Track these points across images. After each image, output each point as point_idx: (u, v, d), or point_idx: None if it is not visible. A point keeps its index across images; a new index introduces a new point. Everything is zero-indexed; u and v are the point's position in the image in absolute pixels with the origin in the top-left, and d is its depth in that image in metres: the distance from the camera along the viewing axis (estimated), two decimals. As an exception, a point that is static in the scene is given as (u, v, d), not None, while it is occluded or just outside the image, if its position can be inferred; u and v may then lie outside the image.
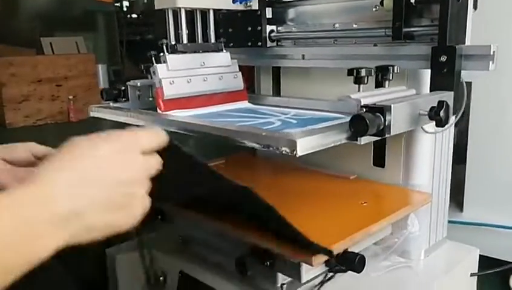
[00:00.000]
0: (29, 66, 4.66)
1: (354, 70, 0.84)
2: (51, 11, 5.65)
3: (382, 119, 0.75)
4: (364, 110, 0.76)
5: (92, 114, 1.17)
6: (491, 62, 0.89)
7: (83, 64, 5.07)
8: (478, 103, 1.50)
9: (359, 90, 0.85)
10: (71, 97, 4.81)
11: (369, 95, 0.81)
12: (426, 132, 1.07)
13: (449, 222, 1.26)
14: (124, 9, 7.59)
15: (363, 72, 0.83)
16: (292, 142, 0.72)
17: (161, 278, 1.17)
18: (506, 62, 1.22)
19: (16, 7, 5.50)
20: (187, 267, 1.12)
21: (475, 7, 1.01)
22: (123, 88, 1.25)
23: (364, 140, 0.78)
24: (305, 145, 0.73)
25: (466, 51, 0.91)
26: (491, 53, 0.88)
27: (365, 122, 0.71)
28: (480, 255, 1.21)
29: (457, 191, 1.57)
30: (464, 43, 0.95)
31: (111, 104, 1.19)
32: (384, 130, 0.76)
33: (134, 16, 7.77)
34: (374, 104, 0.76)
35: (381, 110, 0.75)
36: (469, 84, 1.43)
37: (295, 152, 0.72)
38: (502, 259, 1.41)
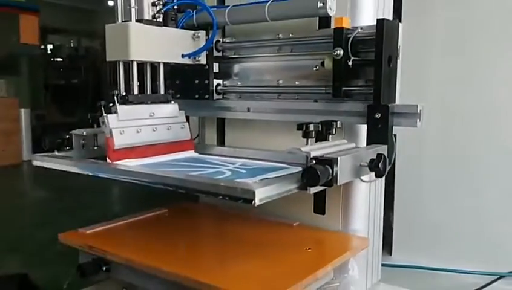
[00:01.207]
0: None
1: (304, 126, 0.91)
2: (-29, 53, 5.37)
3: (331, 170, 0.82)
4: (314, 161, 0.82)
5: (35, 163, 1.13)
6: (418, 120, 1.01)
7: (5, 108, 4.84)
8: (402, 152, 1.65)
9: (307, 143, 0.92)
10: (-11, 142, 4.55)
11: (317, 148, 0.88)
12: (363, 181, 1.16)
13: (382, 265, 1.35)
14: (49, 52, 7.40)
15: (311, 127, 0.91)
16: (250, 192, 0.76)
17: (103, 333, 1.13)
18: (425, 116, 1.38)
19: None
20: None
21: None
22: (66, 137, 1.24)
23: (314, 190, 0.84)
24: (262, 195, 0.77)
25: (397, 109, 1.03)
26: (418, 111, 1.00)
27: (317, 174, 0.78)
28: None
29: (386, 236, 1.68)
30: (394, 102, 1.07)
31: (56, 152, 1.16)
32: (332, 180, 0.83)
33: (59, 59, 7.59)
34: (323, 156, 0.84)
35: (330, 162, 0.82)
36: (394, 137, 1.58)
37: (253, 202, 0.76)
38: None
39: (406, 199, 1.69)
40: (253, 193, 0.76)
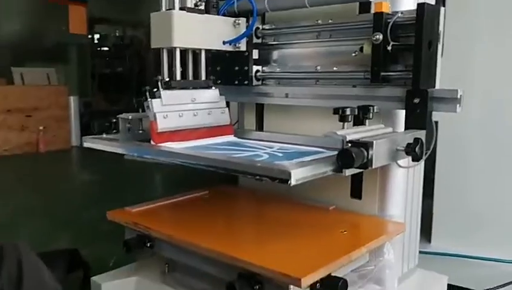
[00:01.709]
0: (-1, 96, 4.61)
1: (340, 110, 0.93)
2: (23, 42, 5.64)
3: (366, 153, 0.83)
4: (350, 145, 0.84)
5: (86, 144, 1.21)
6: (458, 105, 1.00)
7: (55, 95, 5.07)
8: (444, 139, 1.63)
9: (343, 128, 0.94)
10: (41, 128, 4.78)
11: (353, 132, 0.90)
12: (400, 166, 1.16)
13: (419, 252, 1.35)
14: (96, 41, 7.65)
15: (348, 111, 0.92)
16: (287, 172, 0.79)
17: (146, 306, 1.19)
18: (468, 103, 1.36)
19: (-13, 36, 5.47)
20: (173, 295, 1.15)
21: (441, 54, 1.14)
22: (113, 120, 1.30)
23: (349, 172, 0.86)
24: (298, 176, 0.80)
25: (437, 94, 1.02)
26: (458, 96, 0.99)
27: (351, 156, 0.80)
28: (447, 284, 1.30)
29: (426, 224, 1.67)
30: (434, 86, 1.07)
31: (104, 135, 1.23)
32: (367, 163, 0.84)
33: (105, 48, 7.83)
34: (359, 140, 0.85)
35: (365, 145, 0.84)
36: (436, 124, 1.56)
37: (289, 182, 0.79)
38: (468, 288, 1.50)
39: (447, 186, 1.67)
40: (289, 173, 0.79)
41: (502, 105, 1.58)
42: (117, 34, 7.99)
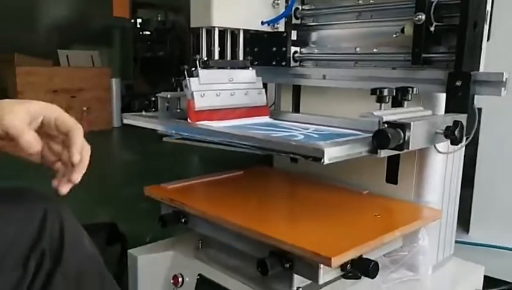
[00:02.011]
0: (46, 77, 4.81)
1: (377, 90, 0.91)
2: (68, 25, 5.82)
3: (402, 134, 0.82)
4: (386, 126, 0.83)
5: (125, 121, 1.24)
6: (503, 88, 0.96)
7: (98, 77, 5.23)
8: (487, 128, 1.57)
9: (380, 108, 0.92)
10: (85, 108, 4.95)
11: (390, 113, 0.88)
12: (439, 152, 1.13)
13: (456, 242, 1.32)
14: (138, 26, 7.80)
15: (386, 92, 0.91)
16: (320, 150, 0.79)
17: (180, 280, 1.22)
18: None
19: (36, 19, 5.67)
20: (205, 270, 1.18)
21: (488, 38, 1.10)
22: (153, 99, 1.33)
23: (384, 153, 0.85)
24: (331, 154, 0.80)
25: (480, 77, 0.99)
26: (504, 80, 0.95)
27: (387, 136, 0.79)
28: (484, 276, 1.26)
29: (464, 214, 1.63)
30: (478, 69, 1.03)
31: (143, 113, 1.26)
32: (403, 145, 0.83)
33: (147, 32, 7.97)
34: (395, 120, 0.84)
35: (402, 126, 0.82)
36: (479, 110, 1.51)
37: (322, 160, 0.78)
38: (506, 280, 1.46)
39: (488, 176, 1.61)
40: (323, 151, 0.78)
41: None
42: (159, 19, 8.12)
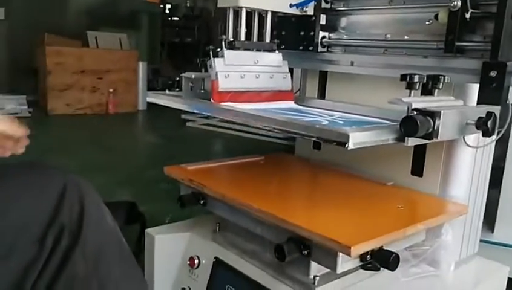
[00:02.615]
0: (75, 57, 4.87)
1: (408, 76, 0.88)
2: (98, 7, 5.88)
3: (432, 123, 0.79)
4: (415, 113, 0.80)
5: (149, 99, 1.24)
6: (540, 81, 0.92)
7: (126, 60, 5.26)
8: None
9: (409, 95, 0.89)
10: (111, 90, 5.00)
11: (420, 100, 0.85)
12: (468, 145, 1.09)
13: (480, 241, 1.27)
14: (167, 11, 7.83)
15: (416, 78, 0.87)
16: (345, 135, 0.76)
17: (196, 261, 1.22)
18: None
19: (66, 1, 5.75)
20: (222, 253, 1.17)
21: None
22: (177, 79, 1.32)
23: (411, 141, 0.81)
24: (356, 139, 0.77)
25: (517, 68, 0.94)
26: (542, 72, 0.91)
27: (416, 123, 0.76)
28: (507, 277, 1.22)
29: (490, 213, 1.57)
30: (514, 60, 0.98)
31: (167, 92, 1.26)
32: (432, 133, 0.80)
33: (175, 18, 8.00)
34: (425, 108, 0.80)
35: (431, 114, 0.79)
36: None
37: (346, 145, 0.76)
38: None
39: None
40: (348, 136, 0.76)
41: None
42: (188, 5, 8.14)
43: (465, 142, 1.09)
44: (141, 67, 5.38)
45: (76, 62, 4.86)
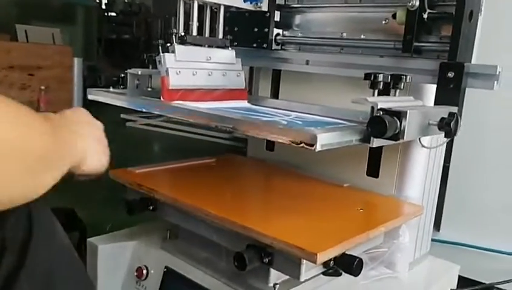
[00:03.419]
0: (2, 51, 4.50)
1: (372, 75, 0.85)
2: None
3: (399, 123, 0.76)
4: (381, 113, 0.77)
5: (90, 97, 1.13)
6: (495, 82, 0.92)
7: (59, 55, 4.95)
8: (462, 126, 1.55)
9: (373, 95, 0.87)
10: (43, 87, 4.68)
11: (384, 100, 0.82)
12: (423, 146, 1.09)
13: (429, 239, 1.29)
14: (104, 6, 7.52)
15: (380, 77, 0.85)
16: (313, 136, 0.72)
17: (144, 272, 1.13)
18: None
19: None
20: (173, 262, 1.10)
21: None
22: (122, 76, 1.23)
23: (377, 143, 0.79)
24: (324, 141, 0.73)
25: (473, 69, 0.95)
26: (497, 73, 0.92)
27: (385, 123, 0.73)
28: (457, 275, 1.24)
29: (436, 211, 1.61)
30: (470, 61, 0.99)
31: (111, 89, 1.16)
32: (398, 134, 0.77)
33: (113, 14, 7.70)
34: (391, 108, 0.78)
35: (398, 114, 0.76)
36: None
37: (314, 147, 0.72)
38: (477, 280, 1.45)
39: (462, 175, 1.60)
40: (316, 137, 0.72)
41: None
42: (125, 1, 7.86)
43: (421, 143, 1.09)
44: (76, 64, 5.09)
45: (4, 57, 4.51)
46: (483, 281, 1.45)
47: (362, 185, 1.19)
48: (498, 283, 1.44)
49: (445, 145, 1.20)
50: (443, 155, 1.23)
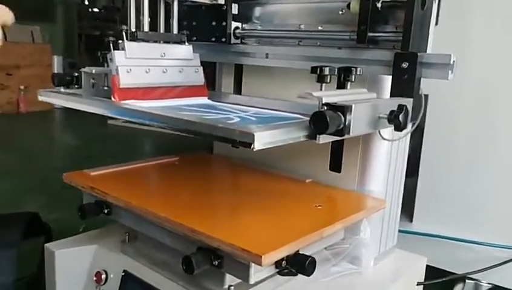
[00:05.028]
0: (-22, 51, 4.43)
1: (318, 68, 0.82)
2: (6, -4, 5.40)
3: (343, 118, 0.74)
4: (326, 108, 0.74)
5: (40, 98, 1.09)
6: (450, 71, 0.90)
7: (38, 54, 4.89)
8: (433, 117, 1.53)
9: (321, 89, 0.84)
10: (22, 87, 4.62)
11: (331, 94, 0.80)
12: (383, 138, 1.07)
13: (399, 231, 1.27)
14: (86, 2, 7.40)
15: (326, 71, 0.82)
16: (250, 135, 0.69)
17: (103, 276, 1.11)
18: (462, 79, 1.26)
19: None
20: (131, 266, 1.07)
21: (436, 23, 1.03)
22: (76, 74, 1.19)
23: (323, 139, 0.76)
24: (263, 140, 0.70)
25: (427, 59, 0.92)
26: (451, 62, 0.89)
27: (325, 119, 0.70)
28: (426, 265, 1.23)
29: (408, 203, 1.59)
30: (426, 51, 0.96)
31: (62, 89, 1.12)
32: (343, 129, 0.75)
33: (96, 10, 7.59)
34: (336, 102, 0.75)
35: (342, 109, 0.74)
36: (425, 97, 1.47)
37: (252, 146, 0.69)
38: (447, 270, 1.44)
39: (432, 167, 1.58)
40: (253, 136, 0.69)
41: (497, 91, 1.49)
42: (108, -4, 7.75)
43: (381, 136, 1.07)
44: (56, 61, 5.03)
45: (-20, 57, 4.44)
46: (456, 272, 1.44)
47: (326, 180, 1.16)
48: (470, 273, 1.43)
49: (408, 137, 1.18)
50: (408, 146, 1.20)
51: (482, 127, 1.52)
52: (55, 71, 5.04)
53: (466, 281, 1.52)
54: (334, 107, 0.74)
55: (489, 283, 1.50)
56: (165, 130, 0.99)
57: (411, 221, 1.61)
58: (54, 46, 5.11)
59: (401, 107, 0.80)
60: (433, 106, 1.51)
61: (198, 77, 1.20)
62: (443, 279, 1.29)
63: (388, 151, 1.11)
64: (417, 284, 1.21)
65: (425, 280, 1.22)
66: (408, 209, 1.61)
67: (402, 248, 1.25)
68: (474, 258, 1.47)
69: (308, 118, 0.98)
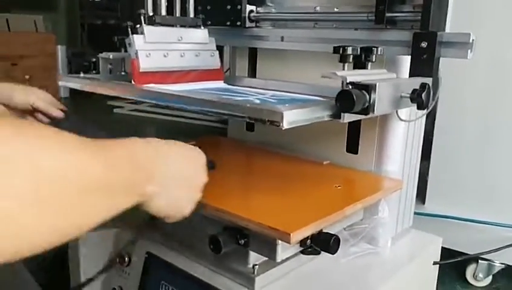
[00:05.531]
0: (-18, 42, 4.42)
1: (341, 48, 0.83)
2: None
3: (368, 97, 0.74)
4: (350, 87, 0.75)
5: (61, 83, 1.11)
6: (469, 50, 0.90)
7: (42, 44, 4.87)
8: (444, 101, 1.54)
9: (343, 69, 0.85)
10: (27, 77, 4.61)
11: (355, 74, 0.80)
12: (401, 119, 1.08)
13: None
14: (87, -9, 7.36)
15: (349, 50, 0.83)
16: (278, 114, 0.70)
17: (125, 258, 1.13)
18: (473, 63, 1.27)
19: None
20: (154, 247, 1.09)
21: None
22: (93, 60, 1.20)
23: (348, 118, 0.77)
24: (291, 118, 0.71)
25: (447, 38, 0.93)
26: (470, 41, 0.90)
27: (352, 97, 0.71)
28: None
29: (420, 185, 1.61)
30: (444, 30, 0.97)
31: (82, 74, 1.13)
32: (368, 108, 0.75)
33: (98, -1, 7.55)
34: (360, 81, 0.76)
35: (367, 88, 0.75)
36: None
37: (280, 124, 0.70)
38: (460, 251, 1.46)
39: (444, 148, 1.59)
40: (282, 114, 0.70)
41: (510, 70, 1.49)
42: (110, -16, 7.70)
43: (398, 116, 1.08)
44: (60, 51, 5.02)
45: (-15, 47, 4.43)
46: (468, 253, 1.46)
47: (343, 162, 1.17)
48: (482, 253, 1.45)
49: (424, 117, 1.19)
50: (423, 128, 1.21)
51: (494, 107, 1.52)
52: (60, 61, 5.03)
53: (479, 261, 1.53)
54: (359, 86, 0.75)
55: (502, 263, 1.51)
56: (172, 117, 1.00)
57: (424, 203, 1.63)
58: (57, 36, 5.09)
59: (424, 85, 0.80)
60: (444, 87, 1.52)
61: (214, 61, 1.21)
62: (460, 259, 1.30)
63: (405, 132, 1.12)
64: (433, 264, 1.22)
65: (440, 260, 1.24)
66: (420, 191, 1.62)
67: (416, 229, 1.27)
68: (486, 239, 1.49)
69: (326, 100, 1.00)
